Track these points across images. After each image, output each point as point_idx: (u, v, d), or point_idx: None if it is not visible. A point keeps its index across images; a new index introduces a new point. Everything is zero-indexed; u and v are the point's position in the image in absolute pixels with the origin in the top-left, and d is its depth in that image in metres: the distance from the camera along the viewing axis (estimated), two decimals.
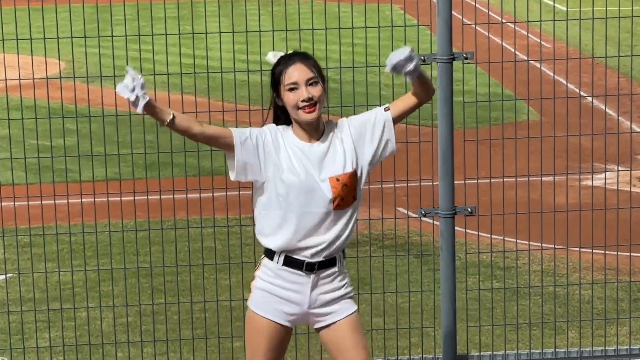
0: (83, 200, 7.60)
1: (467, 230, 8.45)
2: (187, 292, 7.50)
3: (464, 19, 7.46)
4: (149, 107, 4.56)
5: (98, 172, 8.67)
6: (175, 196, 7.60)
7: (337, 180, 4.80)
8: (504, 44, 8.04)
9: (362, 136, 4.89)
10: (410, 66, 4.60)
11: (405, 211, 8.94)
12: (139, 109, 4.55)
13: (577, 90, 10.26)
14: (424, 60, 6.00)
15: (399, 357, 6.72)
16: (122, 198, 7.53)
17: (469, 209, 6.29)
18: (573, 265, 8.69)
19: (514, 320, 7.26)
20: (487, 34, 8.50)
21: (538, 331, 7.17)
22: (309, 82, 4.74)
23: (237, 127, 5.12)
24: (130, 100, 4.53)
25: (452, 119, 6.16)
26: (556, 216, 7.39)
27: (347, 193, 4.83)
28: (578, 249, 8.02)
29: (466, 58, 6.15)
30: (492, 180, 7.21)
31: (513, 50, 8.75)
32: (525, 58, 8.42)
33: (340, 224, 4.86)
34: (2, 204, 7.59)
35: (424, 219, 6.96)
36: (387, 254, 8.18)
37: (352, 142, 4.87)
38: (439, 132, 6.18)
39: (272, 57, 4.81)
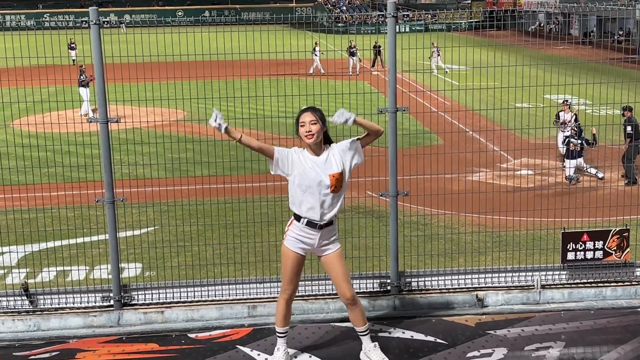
0: (197, 187, 8.78)
1: (404, 204, 8.49)
2: (256, 237, 8.24)
3: (403, 89, 8.72)
4: (227, 130, 4.73)
5: (204, 171, 9.79)
6: (246, 184, 8.75)
7: (333, 176, 4.93)
8: (424, 102, 9.04)
9: (345, 153, 4.99)
10: (348, 123, 4.77)
11: (371, 193, 9.57)
12: (222, 131, 4.71)
13: (463, 127, 11.27)
14: (380, 112, 6.15)
15: (364, 273, 6.60)
16: (218, 185, 8.59)
17: (405, 192, 6.38)
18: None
19: (428, 253, 7.83)
20: (415, 97, 9.50)
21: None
22: (311, 122, 4.93)
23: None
24: (215, 127, 4.70)
25: (396, 142, 6.17)
26: (452, 196, 8.59)
27: (338, 184, 4.96)
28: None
29: (404, 110, 6.19)
30: (417, 177, 7.72)
31: (429, 105, 9.79)
32: (435, 110, 9.72)
33: (335, 201, 5.00)
34: (152, 188, 8.71)
35: (381, 197, 7.09)
36: (360, 217, 8.96)
37: (340, 156, 4.99)
38: (389, 149, 6.21)
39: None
